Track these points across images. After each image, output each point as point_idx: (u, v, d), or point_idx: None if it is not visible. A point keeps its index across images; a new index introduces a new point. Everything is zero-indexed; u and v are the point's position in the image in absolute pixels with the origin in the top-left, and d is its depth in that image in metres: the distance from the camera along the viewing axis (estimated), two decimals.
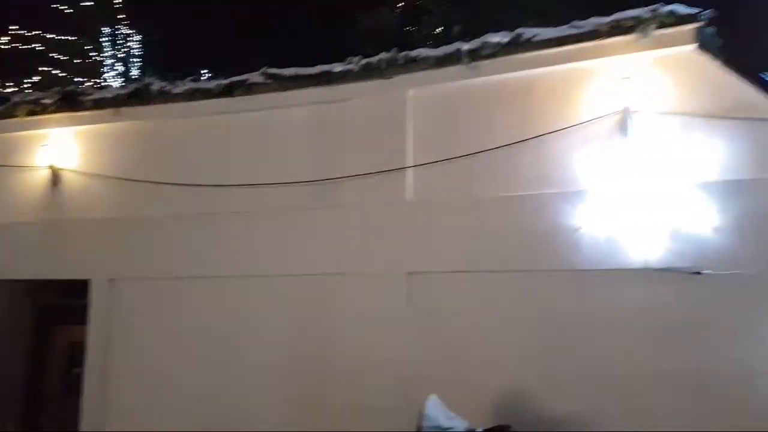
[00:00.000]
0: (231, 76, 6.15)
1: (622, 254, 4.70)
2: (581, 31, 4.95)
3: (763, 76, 4.80)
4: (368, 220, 5.57)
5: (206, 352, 5.92)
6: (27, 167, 6.72)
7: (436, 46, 5.79)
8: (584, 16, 5.08)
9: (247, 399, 5.68)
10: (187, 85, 6.31)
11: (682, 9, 4.67)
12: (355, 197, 5.62)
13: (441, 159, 5.37)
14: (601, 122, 4.88)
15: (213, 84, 6.21)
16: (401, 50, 5.65)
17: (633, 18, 4.76)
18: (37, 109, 6.72)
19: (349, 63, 5.79)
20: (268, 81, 6.00)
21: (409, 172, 5.49)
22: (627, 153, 4.77)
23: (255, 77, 6.04)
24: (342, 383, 5.35)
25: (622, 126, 4.78)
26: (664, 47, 4.74)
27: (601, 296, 4.77)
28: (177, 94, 6.27)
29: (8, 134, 6.86)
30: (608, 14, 4.95)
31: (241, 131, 6.17)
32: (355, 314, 5.44)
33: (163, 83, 6.38)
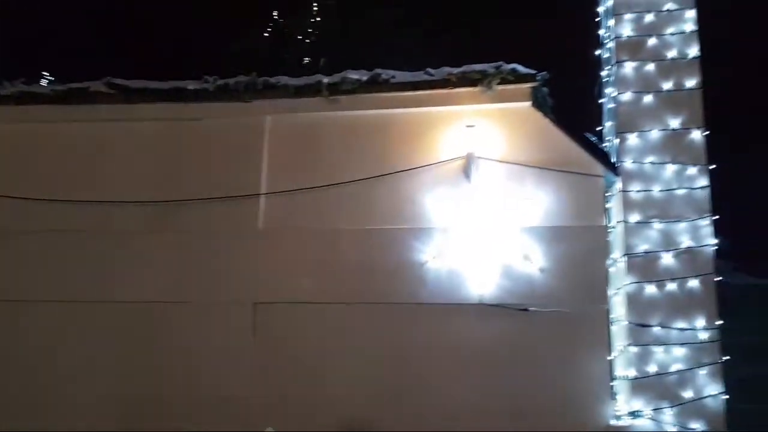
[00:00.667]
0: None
1: (461, 290, 4.95)
2: (433, 78, 5.22)
3: (587, 135, 5.37)
4: (215, 246, 5.32)
5: (23, 381, 5.24)
6: None
7: (298, 75, 5.76)
8: (440, 65, 5.37)
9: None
10: (17, 87, 5.63)
11: (521, 69, 5.11)
12: (203, 222, 5.36)
13: (295, 188, 5.31)
14: (448, 165, 5.15)
15: (48, 89, 5.62)
16: (263, 75, 5.55)
17: (479, 71, 5.11)
18: None
19: (205, 82, 5.55)
20: (112, 91, 5.55)
21: (262, 200, 5.36)
22: (469, 195, 5.06)
23: (97, 86, 5.56)
24: (177, 418, 4.99)
25: (466, 170, 5.08)
26: (504, 101, 5.14)
27: (442, 329, 4.95)
28: (3, 96, 5.58)
29: None
30: (459, 65, 5.28)
31: (79, 142, 5.63)
32: (195, 346, 5.14)
33: None
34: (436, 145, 5.23)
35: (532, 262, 4.88)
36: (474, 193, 5.06)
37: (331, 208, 5.29)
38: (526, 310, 4.83)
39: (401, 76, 5.32)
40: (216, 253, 5.30)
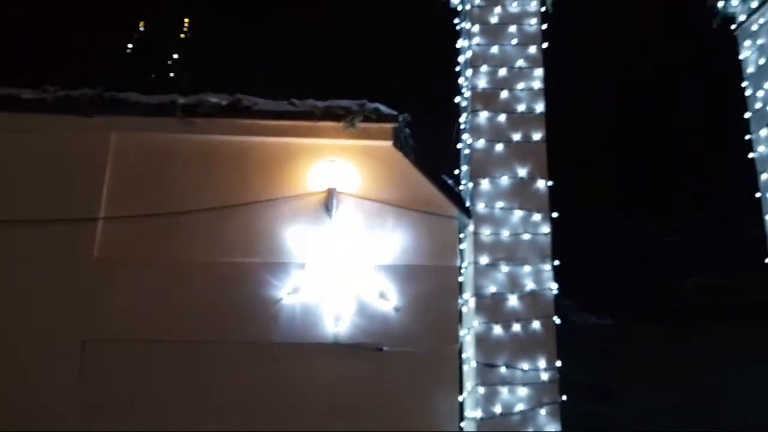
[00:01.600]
0: None
1: (316, 329, 4.74)
2: (297, 109, 5.07)
3: (444, 178, 5.48)
4: (42, 273, 4.65)
5: None
6: None
7: (158, 92, 5.32)
8: (306, 97, 5.23)
9: None
10: None
11: (384, 109, 5.13)
12: (26, 246, 4.68)
13: (139, 214, 4.83)
14: (308, 199, 4.98)
15: None
16: (112, 90, 5.05)
17: (343, 107, 5.05)
18: None
19: (44, 92, 4.94)
20: None
21: (100, 225, 4.80)
22: (328, 231, 4.92)
23: None
24: None
25: (326, 205, 4.94)
26: (366, 139, 5.10)
27: (295, 369, 4.68)
28: None
29: None
30: (325, 99, 5.18)
31: None
32: (10, 389, 4.40)
33: None
34: (297, 177, 5.04)
35: (388, 300, 4.81)
36: (333, 229, 4.92)
37: (179, 238, 4.87)
38: (380, 349, 4.72)
39: (264, 104, 5.11)
40: (43, 280, 4.63)
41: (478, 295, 4.93)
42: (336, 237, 4.91)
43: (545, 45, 5.54)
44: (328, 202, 4.94)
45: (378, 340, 4.75)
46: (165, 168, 5.04)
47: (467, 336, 5.06)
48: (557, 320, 4.94)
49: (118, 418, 4.50)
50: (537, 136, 5.33)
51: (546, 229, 5.13)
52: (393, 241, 4.95)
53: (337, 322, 4.71)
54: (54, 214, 4.75)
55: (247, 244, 4.88)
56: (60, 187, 4.86)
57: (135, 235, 4.83)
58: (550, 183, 5.24)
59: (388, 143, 5.11)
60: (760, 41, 6.03)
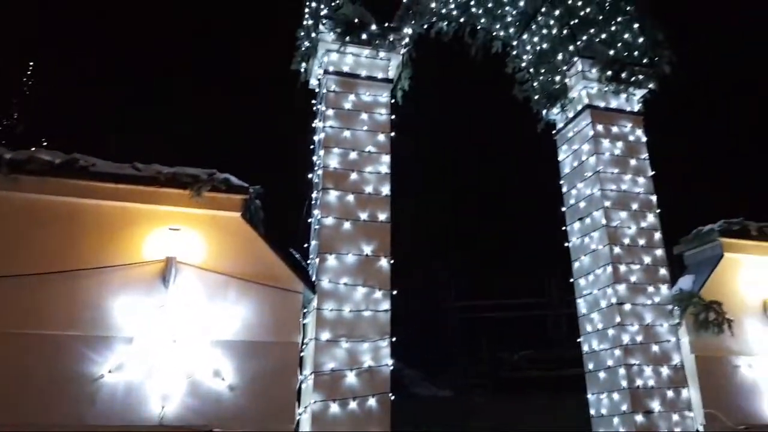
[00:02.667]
0: None
1: (140, 409, 4.31)
2: (140, 174, 4.82)
3: (292, 252, 5.44)
4: None
5: None
6: None
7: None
8: (151, 161, 4.99)
9: None
10: None
11: (235, 180, 5.04)
12: None
13: None
14: (143, 268, 4.65)
15: None
16: None
17: (191, 176, 4.89)
18: None
19: None
20: None
21: None
22: (164, 302, 4.60)
23: None
24: None
25: (165, 275, 4.64)
26: (214, 209, 4.96)
27: None
28: None
29: None
30: (172, 165, 4.98)
31: None
32: None
33: None
34: (133, 244, 4.71)
35: (223, 378, 4.54)
36: (169, 301, 4.62)
37: None
38: (211, 431, 4.39)
39: (103, 165, 4.79)
40: None
41: (317, 372, 4.84)
42: (171, 310, 4.60)
43: (393, 134, 5.87)
44: (166, 271, 4.65)
45: (209, 421, 4.44)
46: None
47: (304, 414, 4.90)
48: (392, 396, 4.98)
49: None
50: (382, 216, 5.53)
51: (386, 305, 5.24)
52: (234, 316, 4.75)
53: (164, 401, 4.33)
54: None
55: (66, 314, 4.40)
56: None
57: None
58: (392, 261, 5.43)
59: (237, 214, 5.00)
60: (574, 146, 6.94)
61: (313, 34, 5.96)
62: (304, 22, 6.22)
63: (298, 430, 4.81)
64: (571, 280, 6.73)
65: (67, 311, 4.40)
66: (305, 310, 5.17)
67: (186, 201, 4.89)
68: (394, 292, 5.34)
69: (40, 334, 4.29)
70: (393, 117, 5.97)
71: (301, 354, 5.01)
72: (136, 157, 5.05)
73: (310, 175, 6.00)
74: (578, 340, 6.49)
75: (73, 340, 4.32)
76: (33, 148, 4.81)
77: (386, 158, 5.75)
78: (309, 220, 5.87)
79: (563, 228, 6.98)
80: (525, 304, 14.98)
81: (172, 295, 4.63)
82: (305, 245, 5.89)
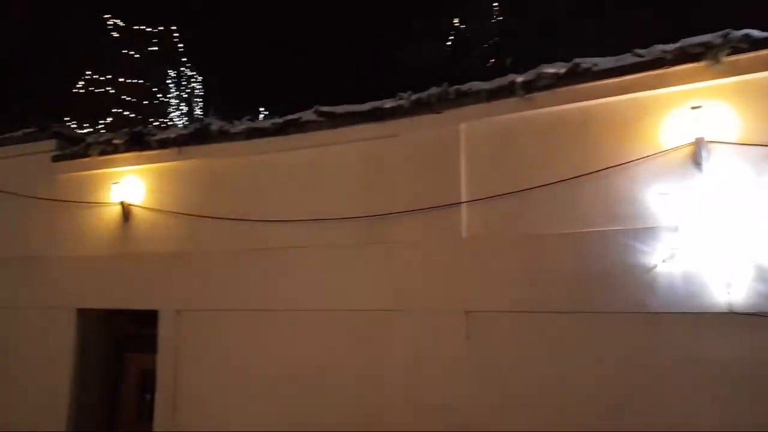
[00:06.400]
0: (285, 115, 5.81)
1: (701, 296, 4.02)
2: (643, 59, 4.33)
3: None
4: (423, 256, 5.06)
5: (263, 382, 5.57)
6: (101, 204, 6.57)
7: (487, 78, 5.25)
8: (645, 45, 4.46)
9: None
10: (244, 124, 6.00)
11: (757, 33, 3.98)
12: (408, 233, 5.14)
13: (495, 194, 4.83)
14: (669, 155, 4.22)
15: (268, 123, 5.87)
16: (451, 84, 5.15)
17: (701, 44, 4.10)
18: (108, 148, 6.57)
19: (400, 99, 5.34)
20: (321, 119, 5.62)
21: (464, 208, 4.97)
22: (702, 186, 4.10)
23: (308, 115, 5.68)
24: (397, 426, 4.85)
25: (695, 158, 4.11)
26: (736, 74, 4.06)
27: (678, 342, 4.09)
28: (235, 133, 5.98)
29: (83, 173, 6.74)
30: (672, 41, 4.31)
31: (296, 168, 5.79)
32: (409, 353, 4.95)
33: (222, 123, 6.10)
34: (651, 133, 4.34)
35: None
36: (707, 184, 4.08)
37: (535, 213, 4.70)
38: None
39: (604, 62, 4.52)
40: (424, 262, 5.05)
41: None
42: (713, 192, 4.06)
43: None
44: (696, 154, 4.10)
45: None
46: (512, 147, 4.92)
47: None
48: None
49: (503, 382, 4.64)
50: None
51: None
52: None
53: (728, 288, 3.90)
54: (423, 204, 5.10)
55: (605, 212, 4.42)
56: (424, 180, 5.19)
57: (494, 215, 4.85)
58: None
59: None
60: None
61: None
62: None
63: None
64: None
65: (604, 208, 4.43)
66: None
67: (700, 74, 4.16)
68: None
69: (585, 232, 4.47)
70: None
71: None
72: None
73: None
74: None
75: (617, 234, 4.33)
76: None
77: None
78: None
79: None
80: None
81: (709, 177, 4.07)
82: None
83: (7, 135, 7.26)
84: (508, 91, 4.88)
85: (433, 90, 5.17)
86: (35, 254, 6.82)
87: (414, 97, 5.26)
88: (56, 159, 6.82)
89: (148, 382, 6.34)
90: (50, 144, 6.92)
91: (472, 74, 6.00)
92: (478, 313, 4.79)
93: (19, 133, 7.18)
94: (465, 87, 5.06)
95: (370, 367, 5.12)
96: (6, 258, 6.98)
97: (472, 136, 5.06)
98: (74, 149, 6.76)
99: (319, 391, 5.28)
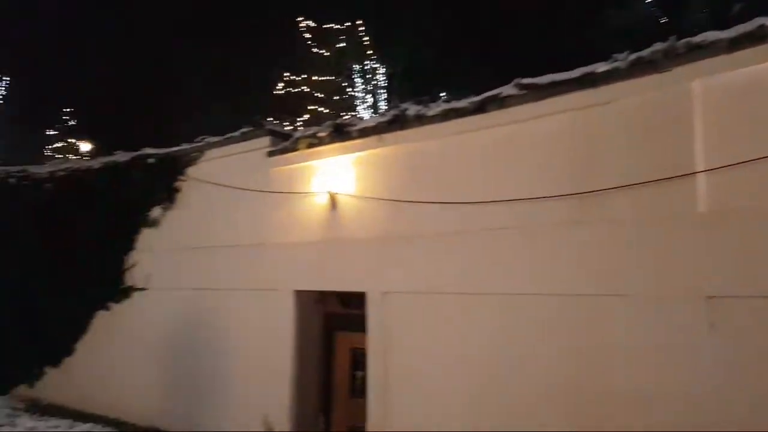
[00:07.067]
0: (479, 93, 5.60)
1: None
2: None
3: None
4: (647, 235, 4.53)
5: (471, 363, 5.51)
6: (309, 194, 7.02)
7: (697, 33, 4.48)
8: None
9: (510, 416, 5.13)
10: (441, 106, 5.93)
11: None
12: (631, 210, 4.63)
13: (741, 161, 4.10)
14: None
15: (466, 102, 5.72)
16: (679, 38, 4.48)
17: None
18: (314, 141, 7.00)
19: (615, 61, 4.80)
20: (522, 92, 5.30)
21: (700, 178, 4.31)
22: None
23: (508, 89, 5.40)
24: (618, 419, 4.44)
25: None
26: None
27: None
28: (432, 117, 5.94)
29: (294, 165, 7.26)
30: None
31: (493, 146, 5.57)
32: (637, 342, 4.48)
33: (419, 107, 6.11)
34: None
35: None
36: None
37: None
38: None
39: None
40: (650, 241, 4.51)
41: None
42: None
43: None
44: None
45: None
46: (761, 105, 4.12)
47: None
48: None
49: (749, 375, 3.98)
50: None
51: None
52: None
53: None
54: (644, 176, 4.54)
55: None
56: (646, 149, 4.61)
57: (740, 184, 4.13)
58: None
59: None
60: None
61: None
62: None
63: None
64: None
65: None
66: None
67: None
68: None
69: None
70: None
71: None
72: None
73: None
74: None
75: None
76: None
77: None
78: None
79: None
80: None
81: None
82: None
83: (228, 135, 8.15)
84: (755, 38, 4.09)
85: (658, 46, 4.54)
86: (254, 242, 7.50)
87: (633, 57, 4.68)
88: (271, 154, 7.47)
89: (358, 359, 6.68)
90: (265, 141, 7.59)
91: (685, 28, 5.18)
92: (722, 298, 4.14)
93: (238, 132, 8.02)
94: (698, 39, 4.36)
95: (588, 354, 4.75)
96: (231, 245, 7.84)
97: (709, 94, 4.35)
98: (285, 144, 7.34)
99: (527, 379, 5.06)
